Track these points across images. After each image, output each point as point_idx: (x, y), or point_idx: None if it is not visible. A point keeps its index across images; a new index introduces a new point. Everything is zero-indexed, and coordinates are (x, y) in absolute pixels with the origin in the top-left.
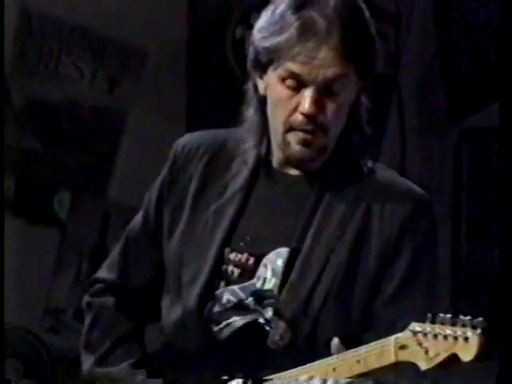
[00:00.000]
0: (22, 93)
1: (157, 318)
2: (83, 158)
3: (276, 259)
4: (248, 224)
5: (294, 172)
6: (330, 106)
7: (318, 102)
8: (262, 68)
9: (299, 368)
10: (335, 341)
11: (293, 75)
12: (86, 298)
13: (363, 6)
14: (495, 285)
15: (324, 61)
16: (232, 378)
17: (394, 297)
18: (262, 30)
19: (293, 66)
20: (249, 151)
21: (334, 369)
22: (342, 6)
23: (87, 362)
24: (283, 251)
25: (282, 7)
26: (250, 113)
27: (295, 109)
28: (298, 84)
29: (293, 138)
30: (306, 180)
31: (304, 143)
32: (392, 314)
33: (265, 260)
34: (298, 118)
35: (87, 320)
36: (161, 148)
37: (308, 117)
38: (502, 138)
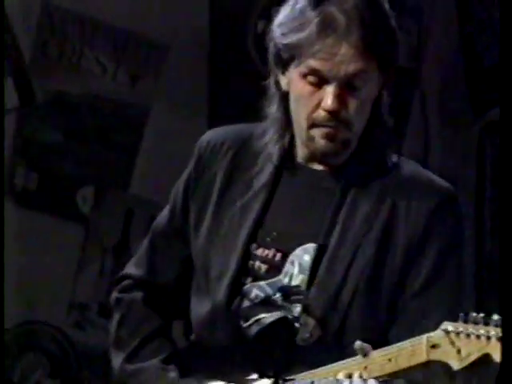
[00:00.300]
0: (44, 87)
1: (185, 314)
2: (106, 153)
3: (303, 255)
4: (274, 219)
5: (318, 167)
6: (352, 102)
7: (340, 97)
8: (284, 64)
9: (329, 366)
10: (358, 343)
11: (314, 72)
12: (115, 294)
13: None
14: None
15: (345, 57)
16: (261, 375)
17: (421, 292)
18: (282, 26)
19: (314, 63)
20: (271, 146)
21: (366, 367)
22: (362, 0)
23: (117, 359)
24: (310, 247)
25: (301, 3)
26: (273, 109)
27: (318, 105)
28: (320, 80)
29: (317, 132)
30: (331, 175)
31: (328, 137)
32: (418, 310)
33: (292, 256)
34: (321, 114)
35: (116, 316)
36: (183, 143)
37: (331, 113)
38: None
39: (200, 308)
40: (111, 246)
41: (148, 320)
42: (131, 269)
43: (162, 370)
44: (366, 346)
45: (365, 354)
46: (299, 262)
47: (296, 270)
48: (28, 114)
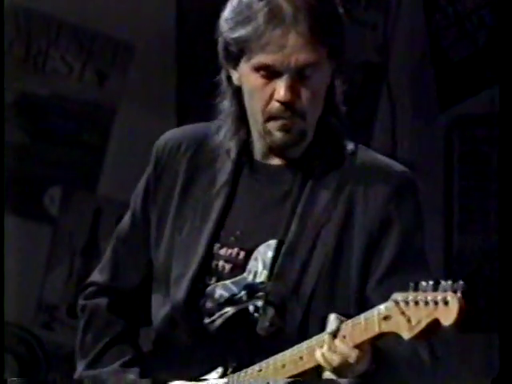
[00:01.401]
0: (10, 88)
1: (150, 319)
2: (73, 153)
3: (266, 251)
4: (236, 218)
5: (276, 162)
6: (305, 91)
7: (292, 88)
8: (234, 59)
9: (290, 350)
10: (332, 316)
11: (265, 66)
12: (80, 302)
13: None
14: (486, 273)
15: (294, 48)
16: (225, 369)
17: (384, 279)
18: (229, 20)
19: (263, 57)
20: (227, 142)
21: (322, 346)
22: None
23: (79, 367)
24: (272, 243)
25: None
26: (226, 104)
27: (271, 97)
28: (271, 73)
29: (273, 125)
30: (289, 169)
31: (284, 129)
32: (384, 296)
33: (255, 253)
34: (275, 105)
35: (81, 323)
36: (151, 142)
37: (285, 104)
38: (501, 130)
39: (160, 309)
40: (80, 246)
41: (111, 326)
42: (96, 276)
43: (120, 372)
44: (334, 328)
45: (334, 335)
46: (263, 259)
47: (260, 266)
48: None
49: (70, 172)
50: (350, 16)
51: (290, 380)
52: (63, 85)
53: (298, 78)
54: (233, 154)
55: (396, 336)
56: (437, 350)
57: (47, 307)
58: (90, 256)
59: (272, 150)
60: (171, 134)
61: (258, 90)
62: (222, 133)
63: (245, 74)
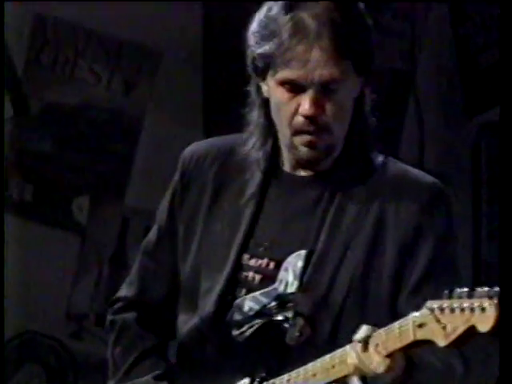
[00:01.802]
0: (38, 98)
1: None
2: (101, 162)
3: (297, 262)
4: (265, 228)
5: (304, 173)
6: (330, 106)
7: (317, 102)
8: (262, 72)
9: (321, 358)
10: (364, 326)
11: (289, 81)
12: (109, 317)
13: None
14: None
15: (317, 63)
16: (252, 379)
17: (417, 290)
18: (256, 33)
19: (287, 73)
20: (255, 152)
21: (354, 355)
22: (334, 3)
23: (112, 381)
24: (302, 253)
25: (274, 9)
26: (254, 116)
27: (296, 111)
28: (296, 88)
29: (299, 140)
30: (317, 181)
31: (309, 145)
32: (416, 309)
33: (285, 264)
34: (300, 120)
35: (111, 338)
36: (178, 150)
37: (309, 118)
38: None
39: (187, 322)
40: (107, 255)
41: (141, 340)
42: (123, 290)
43: None
44: (364, 336)
45: (366, 343)
46: (293, 269)
47: (291, 277)
48: (22, 124)
49: (97, 181)
50: (377, 25)
51: None
52: (91, 94)
53: (323, 92)
54: (261, 165)
55: (430, 344)
56: (470, 361)
57: (76, 317)
58: (117, 265)
59: (299, 163)
60: (197, 146)
61: (284, 104)
62: (251, 143)
63: (271, 88)
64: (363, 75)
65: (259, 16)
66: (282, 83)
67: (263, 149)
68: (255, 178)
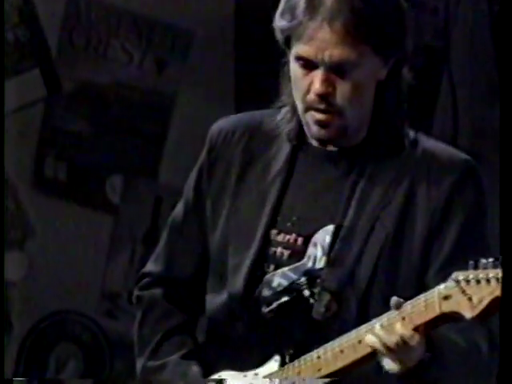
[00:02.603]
0: (71, 77)
1: (204, 308)
2: (133, 142)
3: (325, 237)
4: (292, 204)
5: (333, 148)
6: (343, 86)
7: (328, 81)
8: (284, 46)
9: (347, 334)
10: (394, 298)
11: (301, 57)
12: (136, 293)
13: None
14: None
15: (326, 43)
16: (283, 355)
17: (445, 267)
18: (279, 7)
19: (300, 48)
20: (284, 124)
21: (382, 325)
22: None
23: (141, 357)
24: (330, 228)
25: None
26: (285, 88)
27: (309, 88)
28: (309, 64)
29: (310, 118)
30: (347, 155)
31: (320, 124)
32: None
33: (314, 239)
34: (312, 97)
35: (138, 314)
36: (210, 127)
37: (320, 96)
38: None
39: (216, 298)
40: (141, 234)
41: (168, 316)
42: (150, 266)
43: (184, 365)
44: (401, 300)
45: (397, 307)
46: (321, 245)
47: (319, 252)
48: (55, 103)
49: (130, 160)
50: (411, 1)
51: (326, 380)
52: (123, 73)
53: (335, 72)
54: (290, 136)
55: (457, 318)
56: (496, 338)
57: (109, 295)
58: (151, 244)
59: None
60: (225, 122)
61: (299, 80)
62: (281, 115)
63: (291, 62)
64: (389, 58)
65: None
66: (297, 59)
67: (292, 121)
68: (283, 152)
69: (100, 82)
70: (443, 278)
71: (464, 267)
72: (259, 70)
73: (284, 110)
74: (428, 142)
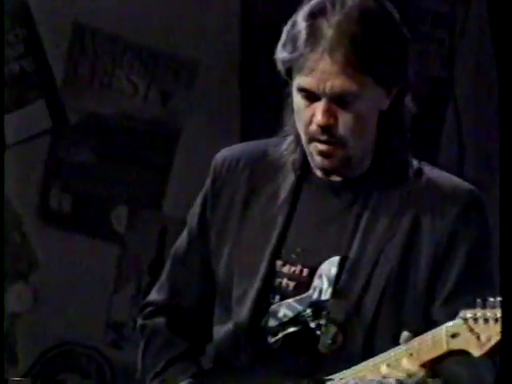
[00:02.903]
0: (76, 108)
1: (211, 337)
2: (138, 172)
3: (330, 268)
4: (297, 235)
5: (337, 178)
6: (345, 118)
7: (330, 113)
8: (286, 77)
9: (352, 368)
10: (405, 333)
11: (303, 88)
12: (139, 322)
13: (387, 8)
14: None
15: (327, 74)
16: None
17: (450, 299)
18: (281, 38)
19: (301, 80)
20: (288, 155)
21: (388, 364)
22: (358, 12)
23: None
24: (336, 259)
25: (300, 14)
26: (289, 118)
27: (311, 119)
28: (311, 96)
29: (313, 148)
30: (351, 186)
31: (323, 154)
32: (449, 318)
33: (319, 271)
34: (314, 127)
35: (141, 343)
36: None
37: (322, 127)
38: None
39: (222, 327)
40: (146, 264)
41: (171, 344)
42: (154, 295)
43: None
44: (411, 335)
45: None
46: (327, 276)
47: (325, 284)
48: (60, 135)
49: (135, 191)
50: (417, 33)
51: None
52: (128, 104)
53: (337, 103)
54: (295, 167)
55: (463, 354)
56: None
57: (115, 326)
58: (156, 274)
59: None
60: (229, 151)
61: (301, 111)
62: (285, 145)
63: (293, 93)
64: (391, 88)
65: (289, 21)
66: (299, 90)
67: (296, 151)
68: (287, 182)
69: (105, 113)
70: (449, 311)
71: (469, 300)
72: (265, 100)
73: (288, 140)
74: (432, 172)
